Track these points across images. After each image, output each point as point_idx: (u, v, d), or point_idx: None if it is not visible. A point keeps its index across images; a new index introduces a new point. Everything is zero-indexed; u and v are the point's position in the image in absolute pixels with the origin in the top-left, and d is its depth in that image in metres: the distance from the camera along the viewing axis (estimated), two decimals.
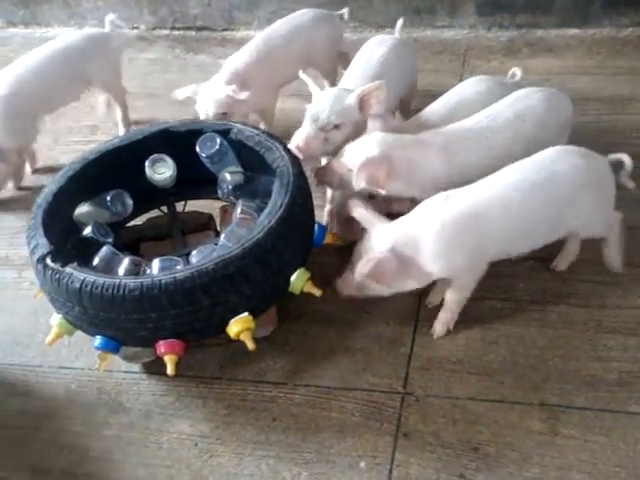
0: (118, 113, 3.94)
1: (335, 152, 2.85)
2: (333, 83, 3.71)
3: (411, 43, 3.53)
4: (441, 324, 2.77)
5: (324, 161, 3.10)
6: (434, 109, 3.07)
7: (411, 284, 2.62)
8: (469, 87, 3.12)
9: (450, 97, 3.10)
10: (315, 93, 3.00)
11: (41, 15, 4.57)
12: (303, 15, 3.66)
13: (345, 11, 3.77)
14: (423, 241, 2.53)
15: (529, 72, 3.73)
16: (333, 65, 3.82)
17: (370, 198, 2.83)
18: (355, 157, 2.68)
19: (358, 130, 2.87)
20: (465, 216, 2.54)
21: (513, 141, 2.81)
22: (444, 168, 2.74)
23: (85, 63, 3.67)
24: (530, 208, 2.57)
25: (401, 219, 2.62)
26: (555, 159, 2.64)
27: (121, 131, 3.88)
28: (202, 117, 3.28)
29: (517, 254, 2.72)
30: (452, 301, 2.73)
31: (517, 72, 3.21)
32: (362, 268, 2.51)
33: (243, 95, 3.18)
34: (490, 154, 2.77)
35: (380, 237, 2.57)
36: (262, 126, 3.47)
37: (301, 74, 3.16)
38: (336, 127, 2.90)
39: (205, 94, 3.28)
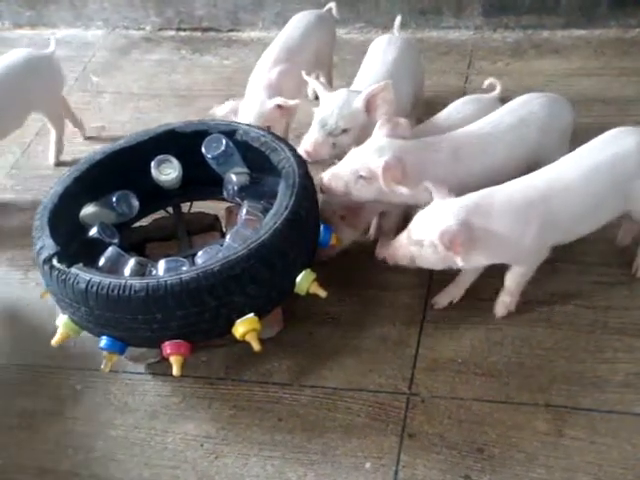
0: (52, 136, 3.79)
1: (342, 156, 2.85)
2: (331, 83, 3.72)
3: (415, 42, 3.51)
4: (502, 306, 2.79)
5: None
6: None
7: (478, 259, 2.61)
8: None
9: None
10: (323, 97, 2.99)
11: (47, 16, 4.57)
12: (308, 17, 3.64)
13: (332, 5, 3.76)
14: (496, 221, 2.53)
15: (535, 73, 3.76)
16: (331, 64, 3.83)
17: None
18: (370, 162, 2.67)
19: (366, 133, 2.87)
20: (536, 200, 2.56)
21: (516, 146, 2.81)
22: (453, 172, 2.74)
23: (26, 86, 3.50)
24: (595, 189, 2.59)
25: (471, 195, 2.59)
26: (618, 138, 2.66)
27: (51, 157, 3.80)
28: None
29: (580, 235, 2.72)
30: (513, 284, 2.74)
31: (496, 84, 3.18)
32: (436, 237, 2.44)
33: (293, 102, 3.15)
34: (494, 159, 2.78)
35: (451, 208, 2.52)
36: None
37: (305, 76, 3.15)
38: (344, 131, 2.89)
39: (249, 110, 3.20)
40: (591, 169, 2.61)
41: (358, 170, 2.67)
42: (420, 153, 2.74)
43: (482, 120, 2.87)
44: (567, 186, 2.59)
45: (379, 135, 2.76)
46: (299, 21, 3.62)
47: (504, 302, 2.79)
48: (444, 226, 2.43)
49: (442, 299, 2.85)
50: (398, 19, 3.49)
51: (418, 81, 3.43)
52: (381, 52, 3.32)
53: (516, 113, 2.86)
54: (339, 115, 2.88)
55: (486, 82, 3.18)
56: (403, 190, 2.63)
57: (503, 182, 2.61)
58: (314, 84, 3.08)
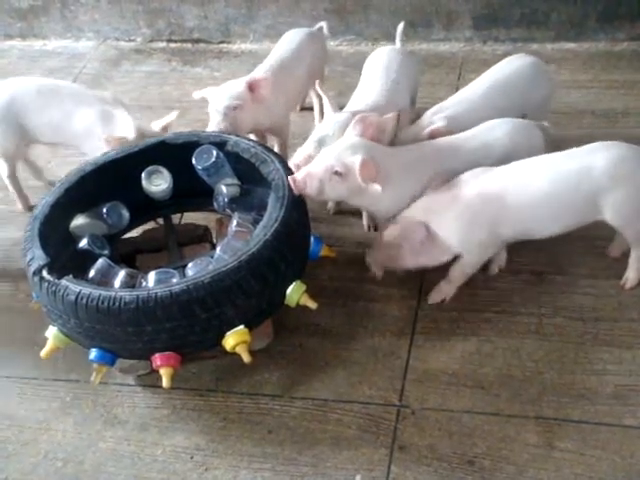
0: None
1: None
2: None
3: (415, 56, 3.51)
4: (438, 293, 2.86)
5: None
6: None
7: (434, 257, 2.72)
8: None
9: None
10: (328, 115, 3.03)
11: (38, 28, 4.56)
12: (300, 35, 3.63)
13: (324, 24, 3.76)
14: (447, 215, 2.65)
15: None
16: (322, 79, 3.86)
17: None
18: (345, 158, 2.69)
19: None
20: (486, 196, 2.65)
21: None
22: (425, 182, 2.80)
23: None
24: (557, 194, 2.64)
25: (434, 193, 2.72)
26: (595, 150, 2.69)
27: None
28: None
29: (542, 236, 2.77)
30: (456, 273, 2.81)
31: None
32: (393, 230, 2.67)
33: (264, 79, 3.22)
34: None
35: (414, 208, 2.70)
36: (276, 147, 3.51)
37: (319, 89, 3.20)
38: None
39: (221, 90, 3.23)
40: (557, 174, 2.66)
41: (333, 166, 2.69)
42: (389, 158, 2.78)
43: (455, 136, 2.91)
44: (527, 185, 2.66)
45: (352, 134, 2.80)
46: (291, 39, 3.61)
47: (441, 289, 2.86)
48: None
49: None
50: (401, 26, 3.50)
51: (415, 94, 3.44)
52: (383, 65, 3.32)
53: (482, 137, 2.88)
54: (339, 137, 2.88)
55: None
56: (377, 187, 2.67)
57: None
58: (326, 101, 3.08)
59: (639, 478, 2.33)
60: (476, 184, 2.68)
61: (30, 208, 3.54)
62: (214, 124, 3.13)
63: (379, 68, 3.31)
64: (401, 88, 3.24)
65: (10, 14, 4.52)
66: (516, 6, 3.95)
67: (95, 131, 3.30)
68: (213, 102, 3.17)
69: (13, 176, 3.56)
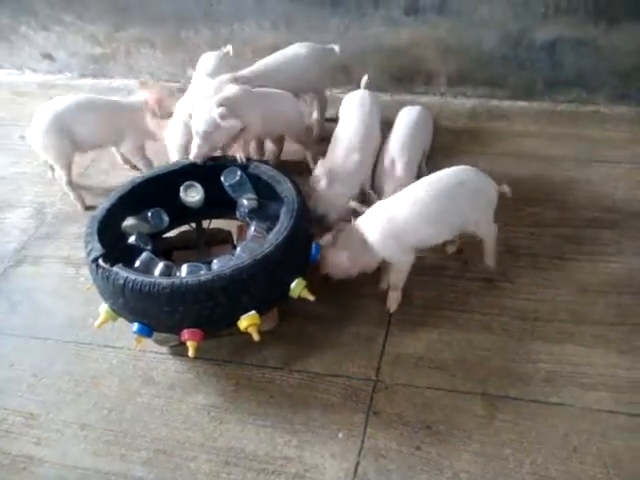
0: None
1: None
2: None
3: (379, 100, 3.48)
4: (393, 301, 2.83)
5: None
6: None
7: (365, 264, 2.74)
8: None
9: None
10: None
11: (106, 69, 4.55)
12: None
13: (336, 47, 3.65)
14: (368, 234, 2.68)
15: (487, 133, 3.75)
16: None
17: None
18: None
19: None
20: (390, 218, 2.68)
21: None
22: None
23: None
24: (437, 209, 2.69)
25: (360, 218, 2.76)
26: (457, 174, 2.76)
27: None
28: None
29: (435, 243, 2.81)
30: (394, 281, 2.80)
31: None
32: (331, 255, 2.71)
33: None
34: None
35: (347, 233, 2.72)
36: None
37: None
38: None
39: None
40: (435, 192, 2.71)
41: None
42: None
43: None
44: (414, 203, 2.70)
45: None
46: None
47: (392, 297, 2.83)
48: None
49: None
50: (365, 78, 3.46)
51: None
52: (357, 106, 3.29)
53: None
54: None
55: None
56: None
57: None
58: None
59: (558, 442, 2.33)
60: (385, 210, 2.71)
61: (87, 207, 3.53)
62: (195, 148, 2.90)
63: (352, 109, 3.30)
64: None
65: (86, 58, 4.52)
66: (481, 70, 3.95)
67: (128, 131, 3.36)
68: (192, 124, 2.94)
69: (71, 182, 3.52)
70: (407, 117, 3.29)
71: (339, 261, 2.69)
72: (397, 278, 2.79)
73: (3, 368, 2.81)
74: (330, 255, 2.70)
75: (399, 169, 3.02)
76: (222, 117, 2.85)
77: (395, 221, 2.67)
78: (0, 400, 2.69)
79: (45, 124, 3.32)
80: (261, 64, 3.48)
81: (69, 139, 3.35)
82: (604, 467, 2.26)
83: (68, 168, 3.46)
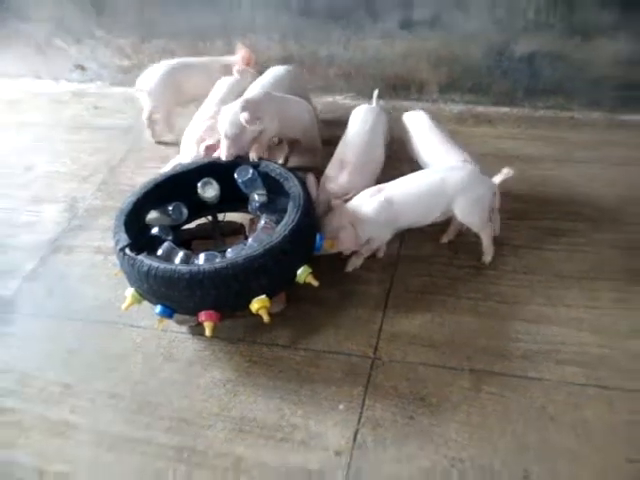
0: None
1: None
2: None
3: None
4: (351, 264, 2.90)
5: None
6: None
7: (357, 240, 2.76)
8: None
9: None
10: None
11: (134, 79, 4.52)
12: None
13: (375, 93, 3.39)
14: (361, 216, 2.71)
15: (473, 136, 3.74)
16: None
17: None
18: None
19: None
20: (383, 201, 2.71)
21: None
22: None
23: None
24: (426, 197, 2.74)
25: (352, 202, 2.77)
26: (449, 169, 2.77)
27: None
28: None
29: (419, 225, 2.85)
30: (365, 250, 2.87)
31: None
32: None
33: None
34: None
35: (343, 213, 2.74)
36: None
37: None
38: None
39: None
40: (425, 184, 2.75)
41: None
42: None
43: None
44: (407, 193, 2.72)
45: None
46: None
47: (354, 262, 2.88)
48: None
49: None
50: (376, 92, 3.37)
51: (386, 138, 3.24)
52: (360, 121, 3.13)
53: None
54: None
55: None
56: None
57: None
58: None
59: (536, 413, 2.34)
60: (380, 194, 2.74)
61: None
62: (224, 149, 2.87)
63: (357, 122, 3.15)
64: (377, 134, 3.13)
65: (116, 69, 4.51)
66: (468, 79, 3.92)
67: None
68: (220, 128, 2.88)
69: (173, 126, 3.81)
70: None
71: (351, 235, 2.70)
72: (370, 248, 2.86)
73: (42, 345, 2.81)
74: (342, 234, 2.70)
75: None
76: (247, 120, 2.83)
77: (388, 207, 2.71)
78: (40, 372, 2.70)
79: (159, 74, 3.65)
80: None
81: (175, 89, 3.66)
82: (576, 435, 2.26)
83: (168, 113, 3.78)
